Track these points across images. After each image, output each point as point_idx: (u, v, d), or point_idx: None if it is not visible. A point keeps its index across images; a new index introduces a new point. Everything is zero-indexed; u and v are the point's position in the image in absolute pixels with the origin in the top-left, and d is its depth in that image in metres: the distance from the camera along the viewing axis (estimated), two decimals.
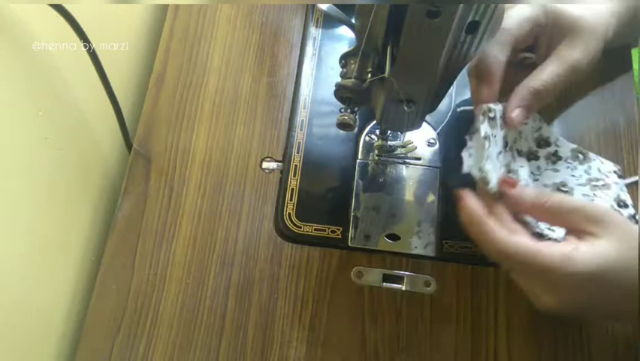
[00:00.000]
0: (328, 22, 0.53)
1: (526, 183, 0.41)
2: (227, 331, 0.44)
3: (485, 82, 0.39)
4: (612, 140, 0.49)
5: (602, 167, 0.45)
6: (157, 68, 0.53)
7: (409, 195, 0.47)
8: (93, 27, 0.40)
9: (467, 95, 0.50)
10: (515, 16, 0.39)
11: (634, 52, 0.52)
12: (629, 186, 0.46)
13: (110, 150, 0.52)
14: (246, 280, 0.46)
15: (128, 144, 0.50)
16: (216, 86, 0.52)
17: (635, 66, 0.53)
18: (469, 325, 0.44)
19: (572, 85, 0.41)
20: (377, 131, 0.48)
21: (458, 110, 0.50)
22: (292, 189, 0.47)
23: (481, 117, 0.38)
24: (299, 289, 0.45)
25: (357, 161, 0.48)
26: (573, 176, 0.45)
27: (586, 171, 0.45)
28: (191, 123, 0.51)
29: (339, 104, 0.38)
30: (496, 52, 0.39)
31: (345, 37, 0.53)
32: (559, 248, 0.33)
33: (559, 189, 0.44)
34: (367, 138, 0.49)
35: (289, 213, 0.46)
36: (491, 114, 0.38)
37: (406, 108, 0.35)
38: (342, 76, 0.36)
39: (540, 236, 0.38)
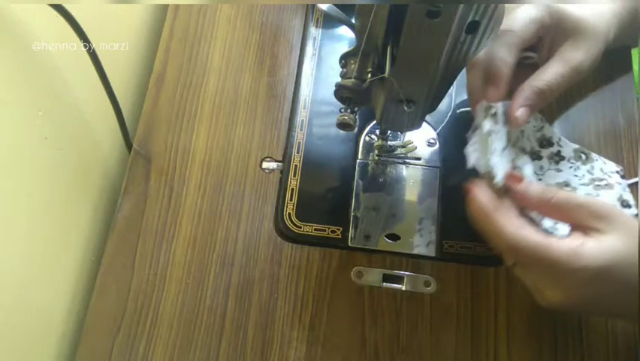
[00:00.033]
0: (328, 22, 0.53)
1: (530, 180, 0.41)
2: (227, 331, 0.44)
3: (493, 84, 0.39)
4: (612, 140, 0.49)
5: (605, 167, 0.46)
6: (157, 68, 0.53)
7: (409, 195, 0.47)
8: (93, 27, 0.40)
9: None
10: (521, 18, 0.39)
11: (634, 52, 0.52)
12: (630, 186, 0.46)
13: (110, 150, 0.52)
14: (246, 280, 0.46)
15: (128, 144, 0.50)
16: (216, 86, 0.52)
17: (635, 67, 0.53)
18: (469, 325, 0.44)
19: (573, 85, 0.41)
20: (377, 131, 0.48)
21: (458, 111, 0.50)
22: (292, 189, 0.47)
23: (482, 113, 0.38)
24: (299, 289, 0.45)
25: (357, 161, 0.48)
26: (576, 176, 0.45)
27: (589, 171, 0.45)
28: (191, 123, 0.51)
29: (339, 104, 0.38)
30: (504, 54, 0.38)
31: (345, 37, 0.53)
32: (567, 243, 0.33)
33: (562, 189, 0.44)
34: (367, 138, 0.49)
35: (289, 213, 0.46)
36: (492, 111, 0.38)
37: (406, 108, 0.35)
38: (342, 76, 0.36)
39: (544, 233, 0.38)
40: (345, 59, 0.36)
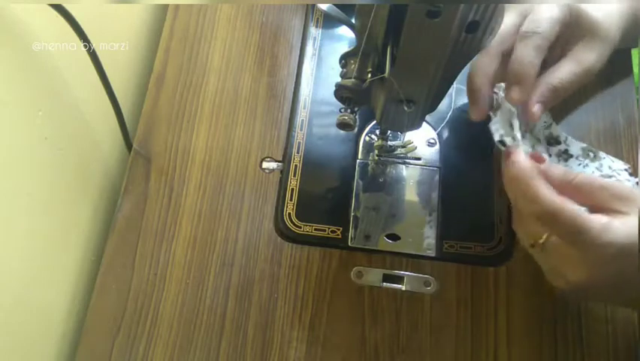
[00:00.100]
0: (328, 22, 0.53)
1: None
2: (227, 331, 0.44)
3: (520, 84, 0.39)
4: (612, 140, 0.49)
5: (613, 165, 0.46)
6: (157, 68, 0.53)
7: (409, 195, 0.47)
8: (93, 27, 0.40)
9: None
10: (547, 19, 0.39)
11: (634, 52, 0.52)
12: None
13: (110, 150, 0.52)
14: (246, 280, 0.46)
15: (128, 144, 0.50)
16: (216, 86, 0.52)
17: (635, 69, 0.53)
18: (469, 325, 0.44)
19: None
20: (377, 131, 0.48)
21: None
22: (292, 189, 0.47)
23: (501, 93, 0.38)
24: (299, 289, 0.45)
25: (357, 161, 0.48)
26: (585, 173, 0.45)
27: (597, 169, 0.45)
28: (191, 123, 0.51)
29: (339, 104, 0.38)
30: (533, 57, 0.38)
31: (345, 37, 0.53)
32: (597, 218, 0.33)
33: None
34: (367, 138, 0.49)
35: (289, 213, 0.46)
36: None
37: (406, 108, 0.35)
38: (342, 76, 0.36)
39: None
40: (345, 59, 0.36)
